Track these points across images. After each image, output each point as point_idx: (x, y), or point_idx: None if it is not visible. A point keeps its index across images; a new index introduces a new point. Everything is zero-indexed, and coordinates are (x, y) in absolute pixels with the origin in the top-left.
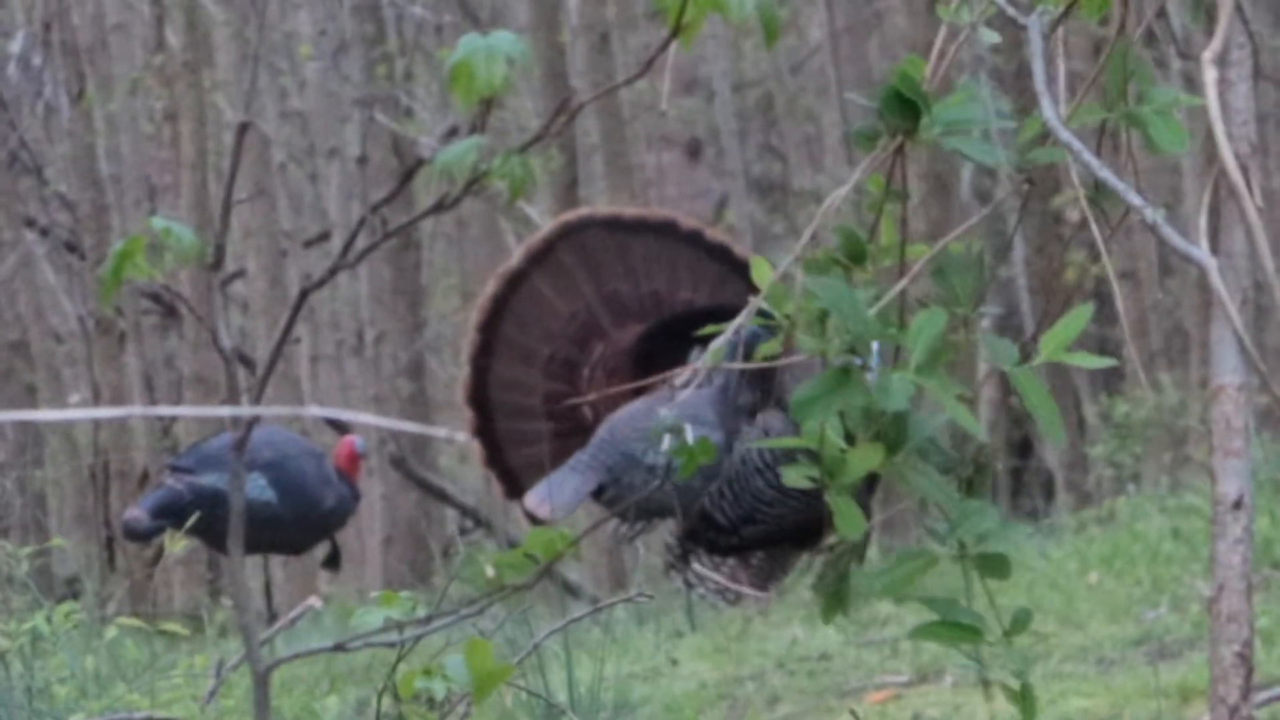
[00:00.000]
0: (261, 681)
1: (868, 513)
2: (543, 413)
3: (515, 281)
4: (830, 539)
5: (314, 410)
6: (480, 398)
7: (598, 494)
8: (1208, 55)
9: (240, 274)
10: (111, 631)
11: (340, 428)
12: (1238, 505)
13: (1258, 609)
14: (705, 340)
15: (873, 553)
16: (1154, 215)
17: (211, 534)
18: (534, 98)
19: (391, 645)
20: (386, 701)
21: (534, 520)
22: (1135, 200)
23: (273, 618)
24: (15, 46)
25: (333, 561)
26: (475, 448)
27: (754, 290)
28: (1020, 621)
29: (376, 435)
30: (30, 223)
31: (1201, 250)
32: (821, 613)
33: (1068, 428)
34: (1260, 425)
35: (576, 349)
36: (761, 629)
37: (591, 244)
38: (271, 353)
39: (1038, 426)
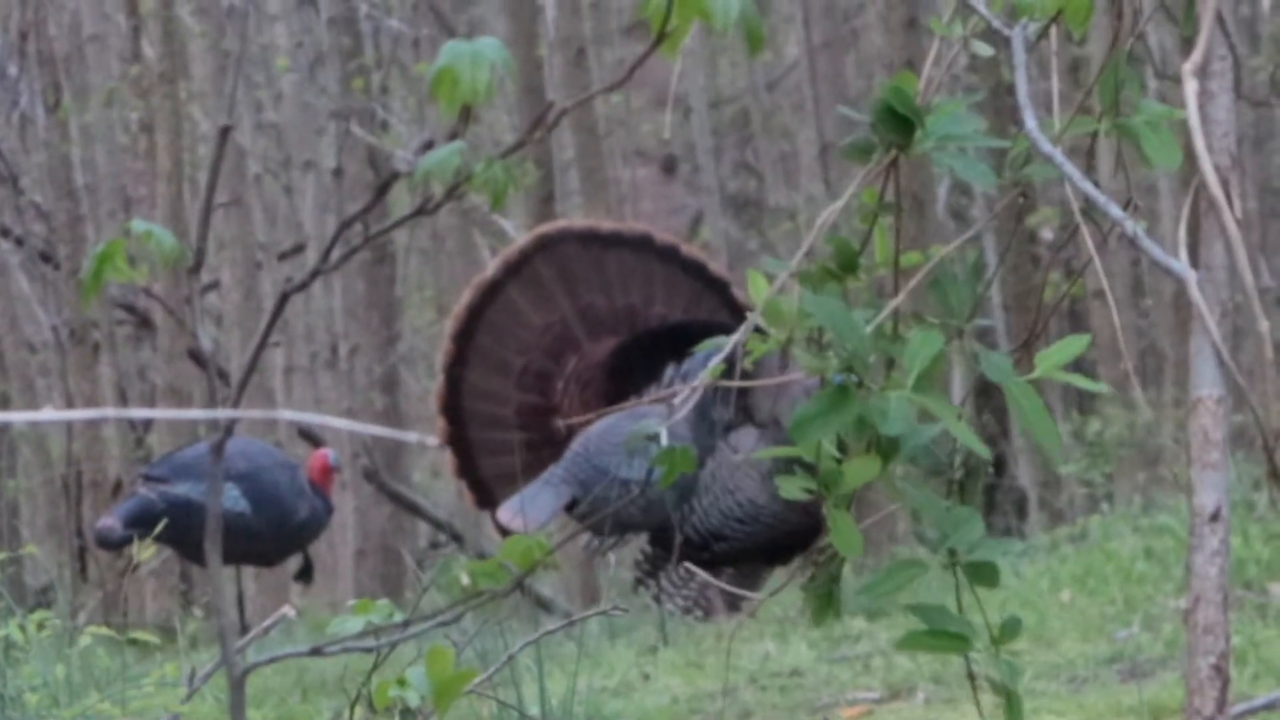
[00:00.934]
0: (238, 685)
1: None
2: (516, 423)
3: (491, 292)
4: (821, 543)
5: (287, 414)
6: (454, 407)
7: (571, 508)
8: (1188, 67)
9: (214, 286)
10: (85, 640)
11: (313, 440)
12: (1215, 517)
13: (1231, 627)
14: (680, 356)
15: (846, 568)
16: (1134, 227)
17: (185, 544)
18: (510, 112)
19: (369, 650)
20: (360, 711)
21: (506, 534)
22: (1116, 212)
23: (245, 629)
24: None
25: (305, 574)
26: (447, 457)
27: (729, 306)
28: (1009, 630)
29: (350, 448)
30: (5, 232)
31: (1181, 263)
32: (812, 616)
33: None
34: (1234, 445)
35: (551, 361)
36: (734, 644)
37: (567, 257)
38: (251, 356)
39: (1031, 440)
